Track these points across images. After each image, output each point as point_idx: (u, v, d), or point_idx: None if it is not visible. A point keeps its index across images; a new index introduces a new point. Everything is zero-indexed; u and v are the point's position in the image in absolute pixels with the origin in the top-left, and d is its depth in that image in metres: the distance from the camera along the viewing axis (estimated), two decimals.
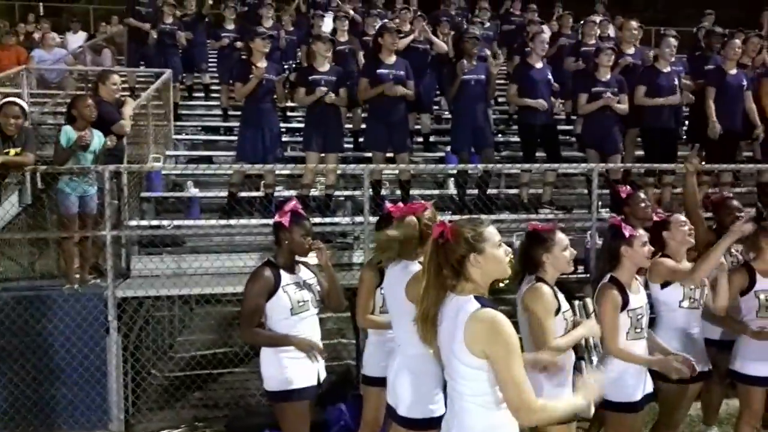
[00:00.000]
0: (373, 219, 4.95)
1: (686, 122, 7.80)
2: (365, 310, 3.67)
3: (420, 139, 8.63)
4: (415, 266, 3.01)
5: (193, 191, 6.78)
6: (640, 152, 7.29)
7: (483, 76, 6.79)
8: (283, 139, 7.74)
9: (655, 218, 4.03)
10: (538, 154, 7.10)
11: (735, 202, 4.68)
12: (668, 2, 29.47)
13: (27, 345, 4.91)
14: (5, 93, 7.76)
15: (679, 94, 6.84)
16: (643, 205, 4.58)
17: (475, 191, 6.72)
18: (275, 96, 6.70)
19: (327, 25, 10.25)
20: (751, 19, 12.66)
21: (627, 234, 3.49)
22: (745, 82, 6.87)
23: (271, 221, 5.64)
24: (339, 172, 6.55)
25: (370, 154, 6.87)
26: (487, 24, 10.20)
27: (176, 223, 5.85)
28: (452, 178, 7.25)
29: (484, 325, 2.14)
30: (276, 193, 6.80)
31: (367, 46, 8.40)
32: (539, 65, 6.93)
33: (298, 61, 9.59)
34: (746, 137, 7.04)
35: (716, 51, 7.43)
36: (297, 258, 3.58)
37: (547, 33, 9.44)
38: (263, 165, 6.24)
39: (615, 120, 6.70)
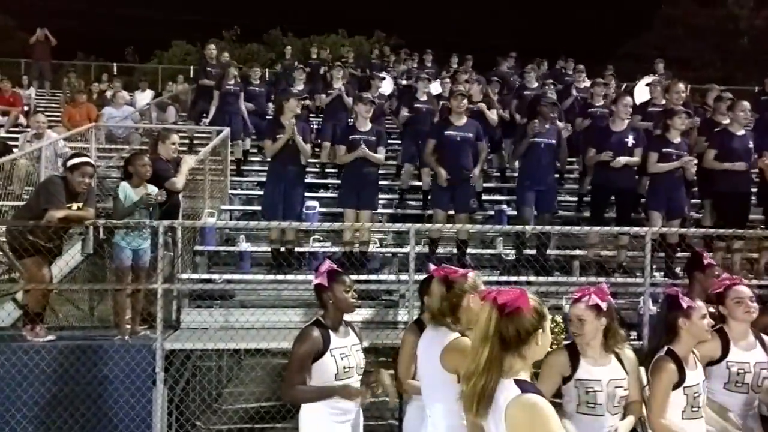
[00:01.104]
0: (420, 277, 4.94)
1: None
2: (407, 374, 3.61)
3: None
4: (453, 335, 2.96)
5: (244, 246, 6.93)
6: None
7: (554, 141, 6.79)
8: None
9: (714, 290, 3.84)
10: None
11: None
12: (726, 61, 29.11)
13: (77, 393, 5.02)
14: (75, 147, 8.30)
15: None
16: (715, 279, 4.36)
17: (529, 252, 6.64)
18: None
19: (386, 86, 10.66)
20: None
21: (685, 305, 3.33)
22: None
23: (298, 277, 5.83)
24: (387, 229, 6.61)
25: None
26: (534, 84, 10.26)
27: (226, 277, 5.97)
28: (500, 238, 7.19)
29: (526, 413, 2.04)
30: (323, 249, 6.91)
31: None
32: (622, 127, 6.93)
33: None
34: None
35: None
36: (345, 317, 3.55)
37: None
38: (301, 222, 6.42)
39: (681, 183, 6.58)
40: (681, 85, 7.37)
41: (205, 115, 10.47)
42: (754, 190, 7.28)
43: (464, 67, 13.16)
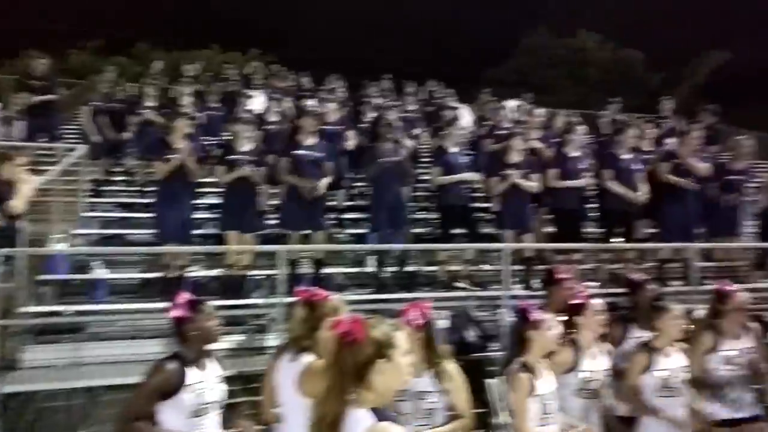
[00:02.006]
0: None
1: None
2: (269, 402, 3.49)
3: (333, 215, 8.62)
4: (310, 359, 2.92)
5: (100, 272, 6.44)
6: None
7: (399, 159, 6.96)
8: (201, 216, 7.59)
9: (572, 301, 4.09)
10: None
11: (652, 286, 4.77)
12: (579, 87, 31.87)
13: None
14: None
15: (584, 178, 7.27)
16: (570, 292, 4.67)
17: (394, 268, 6.75)
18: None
19: (257, 103, 10.42)
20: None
21: (533, 318, 3.54)
22: (638, 166, 7.35)
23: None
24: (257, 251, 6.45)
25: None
26: (410, 107, 10.57)
27: (77, 308, 5.51)
28: (371, 256, 7.26)
29: None
30: (191, 273, 6.60)
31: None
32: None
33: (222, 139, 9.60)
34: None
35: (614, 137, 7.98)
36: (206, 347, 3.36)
37: (470, 116, 10.02)
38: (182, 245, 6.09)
39: (527, 200, 6.97)
40: (539, 111, 7.95)
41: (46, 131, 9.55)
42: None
43: (336, 87, 13.40)
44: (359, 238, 8.12)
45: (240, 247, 6.35)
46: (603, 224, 7.43)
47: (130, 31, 30.04)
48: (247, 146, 6.59)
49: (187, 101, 9.10)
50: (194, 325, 3.24)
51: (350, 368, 2.10)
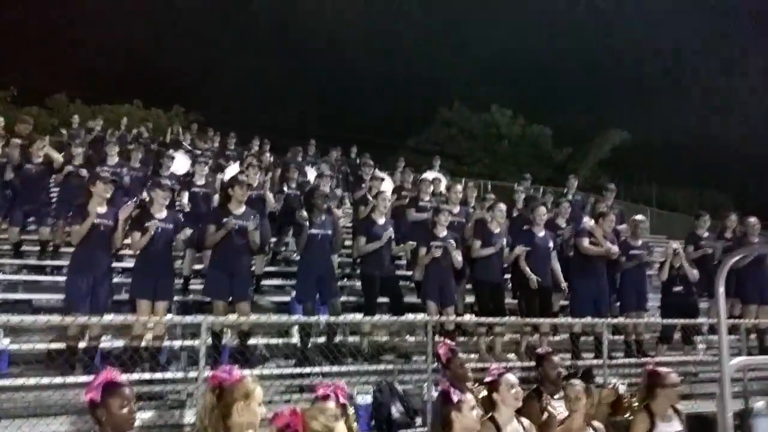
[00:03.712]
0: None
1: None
2: None
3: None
4: None
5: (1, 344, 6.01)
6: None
7: (330, 231, 7.09)
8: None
9: (487, 378, 4.20)
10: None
11: (556, 358, 5.06)
12: (492, 159, 33.56)
13: None
14: None
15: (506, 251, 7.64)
16: (461, 367, 4.81)
17: (320, 339, 6.71)
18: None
19: (180, 165, 10.27)
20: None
21: (455, 399, 3.64)
22: (551, 244, 7.81)
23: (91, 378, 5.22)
24: (176, 322, 6.23)
25: None
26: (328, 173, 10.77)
27: None
28: (296, 327, 7.19)
29: None
30: (104, 344, 6.28)
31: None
32: (382, 221, 7.44)
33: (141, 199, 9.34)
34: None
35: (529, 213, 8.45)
36: None
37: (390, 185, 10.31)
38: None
39: (450, 272, 7.22)
40: (459, 186, 8.31)
41: None
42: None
43: (261, 150, 13.48)
44: (281, 306, 8.05)
45: (157, 318, 6.11)
46: (521, 297, 7.75)
47: (45, 81, 28.96)
48: (164, 212, 6.51)
49: (111, 161, 8.86)
50: (106, 410, 3.06)
51: None
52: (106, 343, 6.42)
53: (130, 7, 36.04)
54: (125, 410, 3.11)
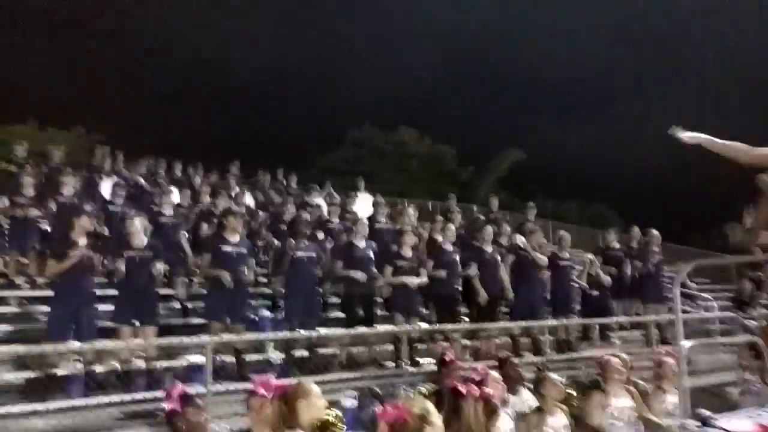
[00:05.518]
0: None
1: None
2: None
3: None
4: None
5: None
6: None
7: (314, 254, 7.77)
8: None
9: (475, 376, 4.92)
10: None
11: (516, 360, 6.02)
12: (402, 177, 34.93)
13: None
14: None
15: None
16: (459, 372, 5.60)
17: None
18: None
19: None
20: None
21: (464, 391, 4.30)
22: (498, 257, 8.88)
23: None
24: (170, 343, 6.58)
25: None
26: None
27: None
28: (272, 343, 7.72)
29: None
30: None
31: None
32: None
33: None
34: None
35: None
36: None
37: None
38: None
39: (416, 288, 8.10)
40: (411, 210, 9.20)
41: None
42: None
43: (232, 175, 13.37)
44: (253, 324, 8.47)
45: (162, 341, 6.47)
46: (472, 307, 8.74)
47: None
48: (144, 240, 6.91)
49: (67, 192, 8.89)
50: (185, 418, 3.50)
51: None
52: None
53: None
54: (201, 418, 3.61)
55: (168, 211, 8.88)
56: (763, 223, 3.77)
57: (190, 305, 8.48)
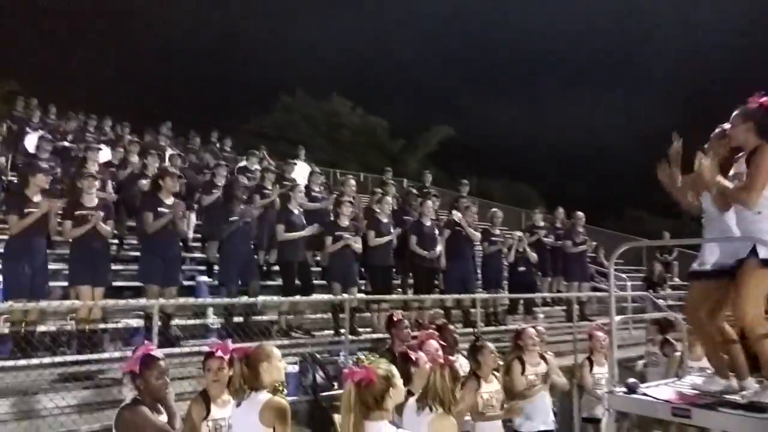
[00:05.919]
0: None
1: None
2: None
3: None
4: (263, 395, 3.55)
5: None
6: None
7: (249, 219, 7.73)
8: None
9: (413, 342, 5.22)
10: None
11: (452, 327, 6.38)
12: (334, 147, 34.77)
13: None
14: None
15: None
16: (405, 329, 5.87)
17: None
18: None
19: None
20: None
21: (414, 357, 4.56)
22: (436, 231, 9.19)
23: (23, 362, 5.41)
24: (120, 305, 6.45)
25: None
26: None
27: None
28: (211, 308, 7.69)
29: None
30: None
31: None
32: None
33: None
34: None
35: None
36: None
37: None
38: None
39: (352, 258, 8.21)
40: (352, 181, 9.27)
41: None
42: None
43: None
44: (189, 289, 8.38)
45: (114, 302, 6.31)
46: (406, 278, 9.02)
47: None
48: (95, 200, 6.69)
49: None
50: (144, 380, 3.60)
51: (371, 401, 2.94)
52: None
53: None
54: (160, 381, 3.68)
55: (94, 168, 8.51)
56: (689, 185, 4.21)
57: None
